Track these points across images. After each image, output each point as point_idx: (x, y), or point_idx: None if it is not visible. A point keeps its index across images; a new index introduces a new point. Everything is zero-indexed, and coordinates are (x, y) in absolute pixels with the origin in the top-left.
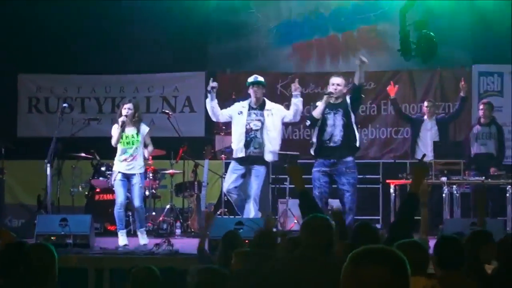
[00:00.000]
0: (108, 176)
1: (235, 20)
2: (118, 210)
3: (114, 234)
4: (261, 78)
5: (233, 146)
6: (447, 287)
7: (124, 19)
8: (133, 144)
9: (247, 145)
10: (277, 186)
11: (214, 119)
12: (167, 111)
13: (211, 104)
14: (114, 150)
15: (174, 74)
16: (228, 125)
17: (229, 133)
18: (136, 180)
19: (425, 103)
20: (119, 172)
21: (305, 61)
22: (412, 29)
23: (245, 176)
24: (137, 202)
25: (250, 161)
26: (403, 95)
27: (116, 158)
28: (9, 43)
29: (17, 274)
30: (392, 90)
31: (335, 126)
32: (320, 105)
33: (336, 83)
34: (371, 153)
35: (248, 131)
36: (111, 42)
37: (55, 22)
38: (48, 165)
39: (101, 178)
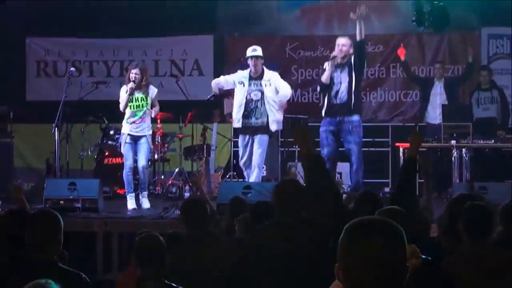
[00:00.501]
0: (117, 139)
1: None
2: (127, 173)
3: (124, 197)
4: (259, 51)
5: (233, 115)
6: (476, 254)
7: None
8: (142, 107)
9: (248, 115)
10: (286, 149)
11: (214, 89)
12: (176, 74)
13: (219, 86)
14: (122, 114)
15: (182, 38)
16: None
17: None
18: (143, 141)
19: (436, 65)
20: (128, 134)
21: (314, 24)
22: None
23: (250, 146)
24: (142, 162)
25: (252, 130)
26: (412, 58)
27: (124, 121)
28: (17, 6)
29: (21, 242)
30: (402, 52)
31: (341, 83)
32: (327, 69)
33: (341, 44)
34: (380, 116)
35: (248, 102)
36: (119, 5)
37: None
38: (56, 129)
39: (109, 142)
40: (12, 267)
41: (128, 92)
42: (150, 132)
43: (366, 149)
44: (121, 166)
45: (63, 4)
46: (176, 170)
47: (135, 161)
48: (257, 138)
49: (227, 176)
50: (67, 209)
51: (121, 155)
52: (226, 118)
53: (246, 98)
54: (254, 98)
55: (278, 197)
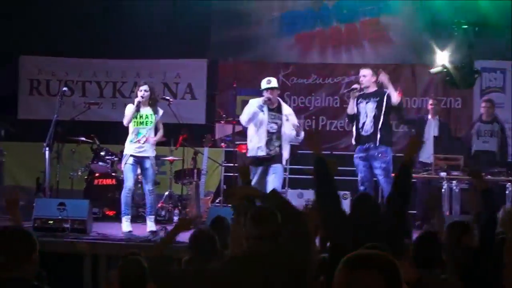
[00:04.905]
0: (107, 161)
1: (238, 8)
2: (126, 195)
3: (112, 219)
4: (273, 82)
5: (252, 144)
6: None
7: (128, 4)
8: (146, 124)
9: (267, 145)
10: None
11: (247, 124)
12: (168, 98)
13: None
14: (114, 135)
15: (176, 61)
16: (228, 113)
17: (230, 122)
18: (148, 164)
19: (430, 101)
20: (130, 155)
21: (307, 51)
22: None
23: (264, 175)
24: (149, 186)
25: (267, 160)
26: (405, 89)
27: (127, 140)
28: (12, 25)
29: None
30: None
31: (367, 116)
32: (350, 100)
33: (361, 75)
34: None
35: (267, 133)
36: (114, 26)
37: (58, 5)
38: (47, 148)
39: (100, 163)
40: None
41: (134, 105)
42: (154, 154)
43: (356, 178)
44: (111, 187)
45: (57, 24)
46: (166, 193)
47: (136, 183)
48: (271, 168)
49: (217, 201)
50: (56, 229)
51: (111, 177)
52: (217, 143)
53: (266, 128)
54: (270, 130)
55: (249, 223)
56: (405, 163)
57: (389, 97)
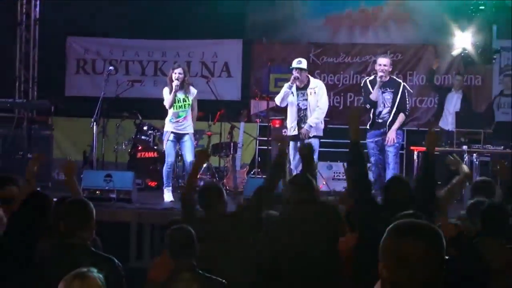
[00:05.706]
0: (150, 135)
1: None
2: (167, 169)
3: (155, 189)
4: (303, 63)
5: (288, 125)
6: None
7: None
8: (185, 107)
9: (298, 123)
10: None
11: (281, 105)
12: (206, 75)
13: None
14: (155, 111)
15: (213, 41)
16: (263, 90)
17: (264, 98)
18: (187, 137)
19: (457, 77)
20: (171, 132)
21: (336, 32)
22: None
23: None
24: (189, 157)
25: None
26: (428, 68)
27: (167, 119)
28: (59, 7)
29: (57, 229)
30: (436, 63)
31: (384, 106)
32: (376, 88)
33: (382, 64)
34: None
35: (298, 111)
36: (156, 9)
37: None
38: (95, 123)
39: (143, 137)
40: (49, 252)
41: (173, 90)
42: (192, 130)
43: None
44: (153, 160)
45: (101, 6)
46: (204, 165)
47: (176, 155)
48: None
49: (252, 172)
50: (103, 199)
51: (153, 150)
52: (252, 118)
53: (297, 107)
54: (302, 108)
55: (289, 189)
56: (428, 154)
57: (405, 88)
